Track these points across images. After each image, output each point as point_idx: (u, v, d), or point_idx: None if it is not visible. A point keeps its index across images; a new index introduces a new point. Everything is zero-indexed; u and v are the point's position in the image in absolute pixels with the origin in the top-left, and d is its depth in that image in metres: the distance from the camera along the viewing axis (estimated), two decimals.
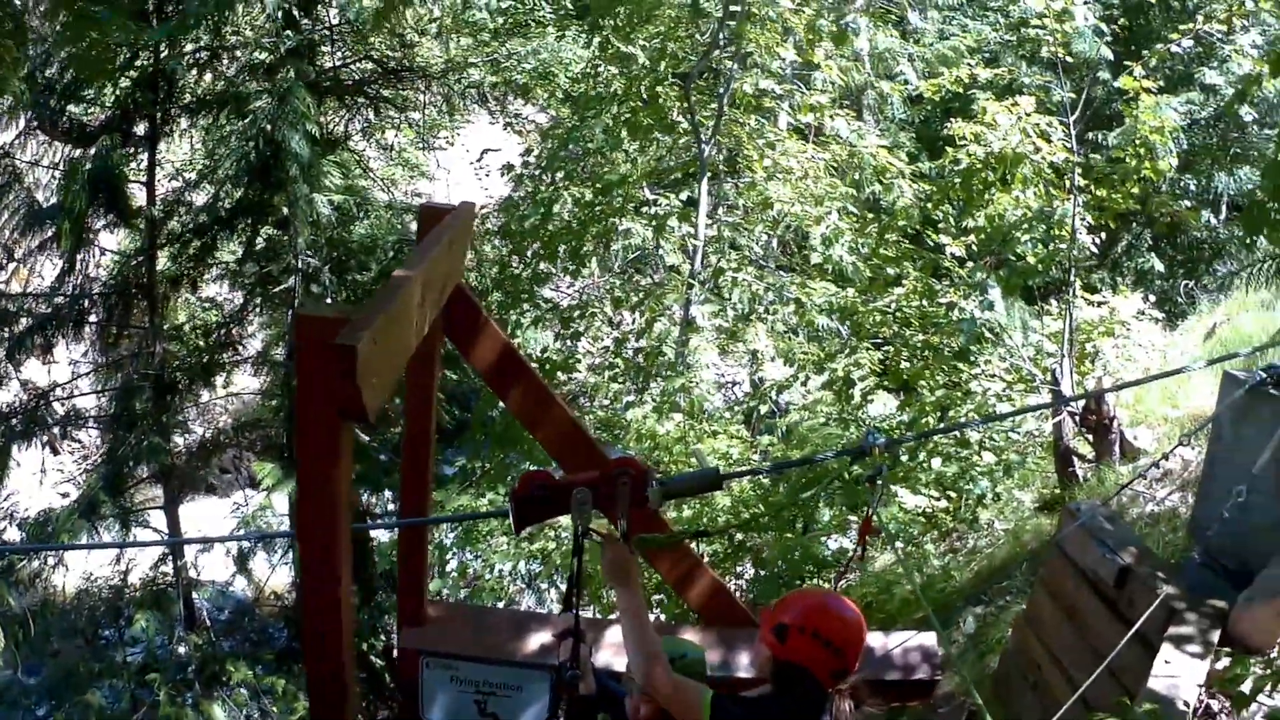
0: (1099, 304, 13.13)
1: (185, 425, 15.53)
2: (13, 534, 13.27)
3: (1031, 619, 7.25)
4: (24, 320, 13.61)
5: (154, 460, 13.44)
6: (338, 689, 4.46)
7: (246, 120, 12.84)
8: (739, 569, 12.63)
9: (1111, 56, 14.34)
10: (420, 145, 21.90)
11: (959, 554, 12.03)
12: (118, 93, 13.22)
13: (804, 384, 13.95)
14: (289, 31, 13.04)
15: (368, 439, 14.01)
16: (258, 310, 14.41)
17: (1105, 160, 12.99)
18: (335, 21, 14.21)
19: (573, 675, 5.03)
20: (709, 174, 15.16)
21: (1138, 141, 11.94)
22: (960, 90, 13.96)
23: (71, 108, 13.28)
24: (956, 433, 11.78)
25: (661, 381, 13.52)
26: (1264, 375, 6.13)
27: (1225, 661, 5.49)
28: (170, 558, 13.95)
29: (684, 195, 16.08)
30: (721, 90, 14.97)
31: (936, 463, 11.50)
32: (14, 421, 13.61)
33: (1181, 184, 21.27)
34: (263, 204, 13.53)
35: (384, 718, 14.19)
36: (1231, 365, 6.95)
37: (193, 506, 17.59)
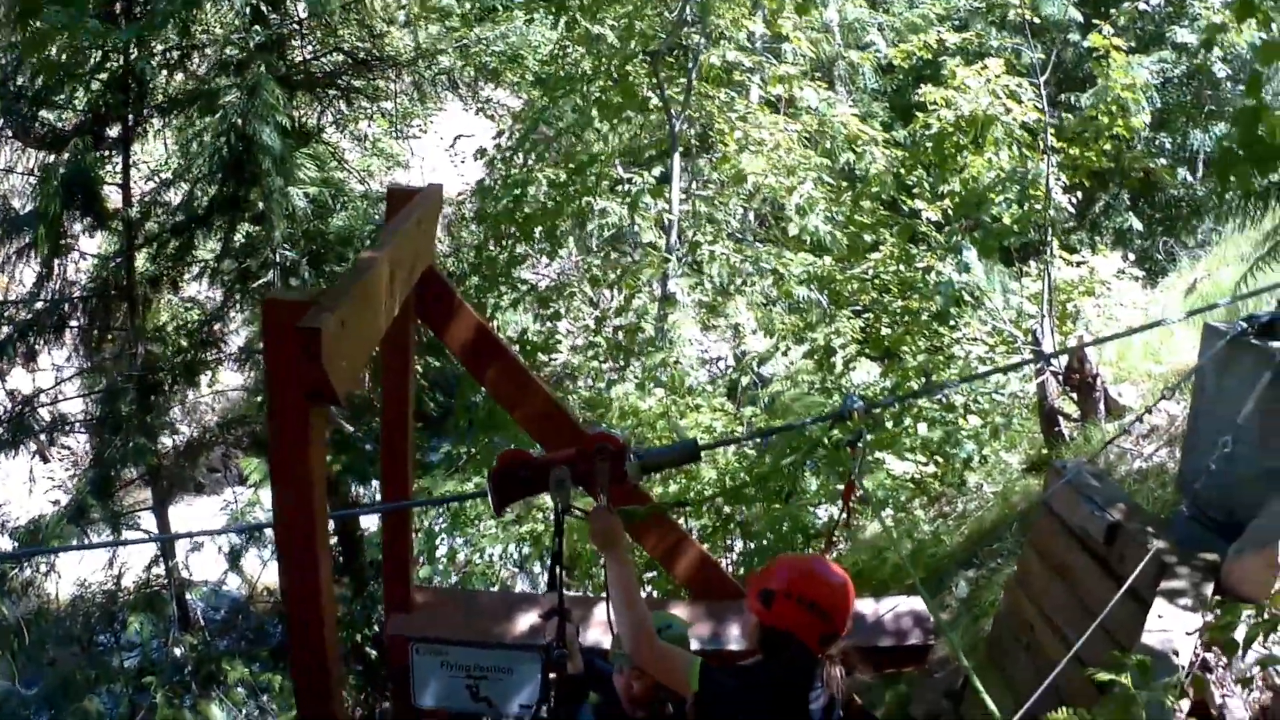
0: (1078, 264, 13.18)
1: (171, 425, 15.46)
2: (4, 543, 13.23)
3: (1022, 580, 7.23)
4: (4, 328, 13.53)
5: (141, 462, 13.39)
6: (323, 679, 4.43)
7: (217, 116, 12.77)
8: (729, 542, 12.63)
9: (1080, 18, 14.37)
10: (394, 135, 21.82)
11: (948, 518, 12.04)
12: (89, 96, 13.14)
13: (785, 354, 13.96)
14: (257, 27, 12.98)
15: (352, 429, 13.99)
16: (238, 307, 14.32)
17: (1078, 119, 13.01)
18: (303, 15, 14.14)
19: (560, 655, 5.01)
20: (681, 149, 15.13)
21: (1110, 100, 11.97)
22: (930, 57, 13.99)
23: (44, 113, 13.20)
24: (941, 397, 11.79)
25: (643, 358, 13.51)
26: (1244, 326, 6.13)
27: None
28: (162, 559, 13.90)
29: (657, 171, 16.04)
30: (690, 65, 14.94)
31: (922, 428, 11.50)
32: (0, 430, 13.56)
33: (1156, 142, 21.26)
34: (238, 200, 13.46)
35: (385, 709, 14.18)
36: (1212, 317, 6.94)
37: (183, 507, 17.54)
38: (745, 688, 4.49)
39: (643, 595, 5.55)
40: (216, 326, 14.52)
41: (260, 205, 13.06)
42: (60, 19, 11.35)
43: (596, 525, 4.60)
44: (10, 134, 13.47)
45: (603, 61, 15.33)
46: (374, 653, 14.22)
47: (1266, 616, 4.92)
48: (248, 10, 12.78)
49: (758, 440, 13.20)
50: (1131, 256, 15.93)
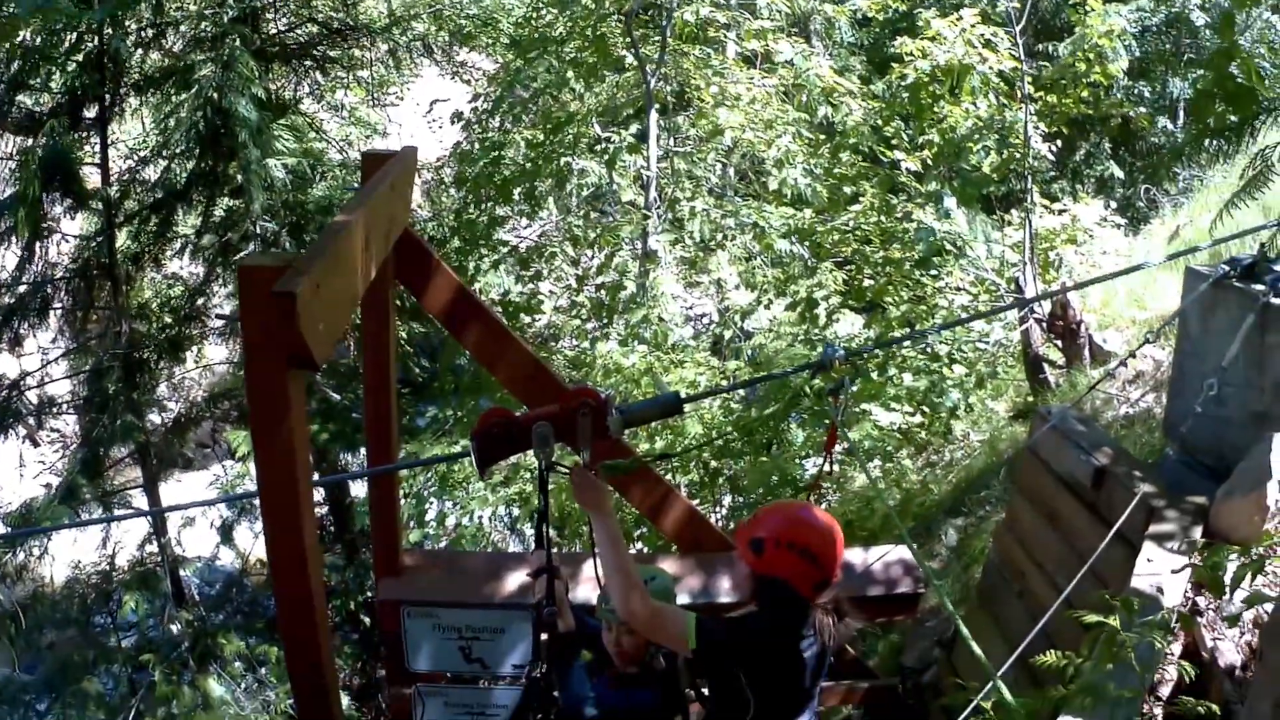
0: (1060, 212, 13.18)
1: (159, 402, 15.48)
2: None
3: (1012, 526, 7.25)
4: None
5: (130, 440, 13.42)
6: (314, 647, 4.42)
7: (193, 91, 12.73)
8: (718, 497, 12.67)
9: None
10: (371, 103, 21.72)
11: (936, 467, 12.09)
12: (65, 78, 13.09)
13: (768, 308, 13.96)
14: (231, 1, 12.92)
15: (338, 398, 14.00)
16: (221, 281, 14.32)
17: (1056, 67, 13.01)
18: None
19: (550, 612, 5.02)
20: (658, 107, 15.08)
21: (1087, 48, 11.97)
22: (906, 8, 13.93)
23: (20, 98, 13.16)
24: (925, 346, 11.81)
25: (625, 316, 13.50)
26: (1227, 268, 6.13)
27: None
28: (155, 537, 13.95)
29: (634, 129, 16.00)
30: (664, 23, 14.88)
31: (907, 378, 11.51)
32: None
33: (1136, 91, 21.24)
34: (216, 174, 13.48)
35: (384, 676, 14.23)
36: (1194, 261, 6.95)
37: (173, 484, 17.57)
38: (741, 639, 4.49)
39: (631, 552, 5.53)
40: (200, 301, 14.54)
41: (239, 178, 13.06)
42: (32, 4, 11.28)
43: (578, 483, 4.59)
44: None
45: (577, 23, 15.26)
46: (368, 620, 14.28)
47: (1254, 557, 4.93)
48: None
49: (743, 394, 13.22)
50: (1113, 204, 15.90)
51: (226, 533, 14.47)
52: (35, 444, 17.24)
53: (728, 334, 15.30)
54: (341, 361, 14.58)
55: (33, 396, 14.24)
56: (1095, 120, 18.46)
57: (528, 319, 14.79)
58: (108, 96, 13.21)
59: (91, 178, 13.39)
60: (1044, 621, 5.28)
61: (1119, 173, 21.16)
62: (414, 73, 18.88)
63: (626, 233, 15.04)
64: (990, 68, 12.41)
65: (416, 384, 15.18)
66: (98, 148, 13.42)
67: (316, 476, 10.93)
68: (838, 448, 5.92)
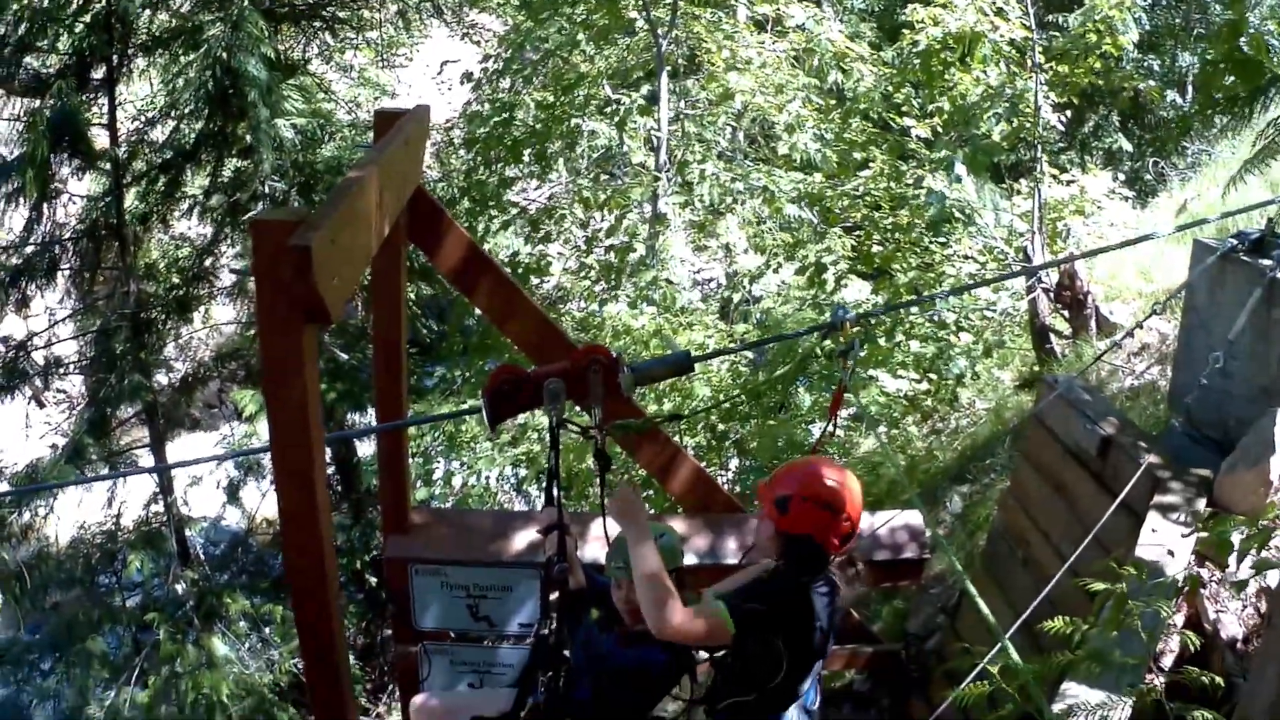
0: (1068, 183, 13.17)
1: (166, 362, 15.50)
2: (1, 489, 13.28)
3: (1017, 494, 7.28)
4: None
5: (137, 399, 13.40)
6: (323, 599, 4.43)
7: (201, 51, 12.68)
8: (725, 460, 12.70)
9: None
10: (380, 64, 21.66)
11: (941, 435, 12.11)
12: (73, 39, 13.03)
13: (776, 272, 13.95)
14: None
15: (346, 357, 14.01)
16: (229, 241, 14.31)
17: (1066, 38, 12.99)
18: None
19: (561, 569, 5.03)
20: (669, 70, 15.04)
21: (1098, 19, 11.95)
22: None
23: (28, 59, 13.11)
24: (933, 314, 11.82)
25: (634, 278, 13.50)
26: (1234, 242, 6.13)
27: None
28: (160, 496, 13.96)
29: (645, 90, 15.96)
30: None
31: (914, 345, 11.53)
32: None
33: (1146, 64, 21.18)
34: (225, 134, 13.42)
35: (388, 635, 14.29)
36: (1202, 235, 6.95)
37: (180, 444, 17.57)
38: (778, 604, 4.51)
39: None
40: (207, 261, 14.50)
41: (248, 138, 13.01)
42: None
43: (616, 498, 4.63)
44: None
45: None
46: (374, 579, 14.34)
47: (1258, 528, 4.95)
48: None
49: (751, 357, 13.23)
50: (1121, 177, 15.93)
51: (233, 492, 14.50)
52: (41, 405, 17.23)
53: (736, 297, 15.30)
54: (349, 321, 14.58)
55: (39, 357, 14.24)
56: (1105, 92, 18.41)
57: (536, 280, 14.79)
58: (115, 57, 13.14)
59: (99, 139, 13.34)
60: (1048, 589, 5.31)
61: (1127, 146, 21.15)
62: (423, 34, 18.85)
63: (636, 195, 15.02)
64: (1001, 36, 12.40)
65: (424, 345, 15.20)
66: (105, 109, 13.36)
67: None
68: (843, 412, 5.93)
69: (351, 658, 12.85)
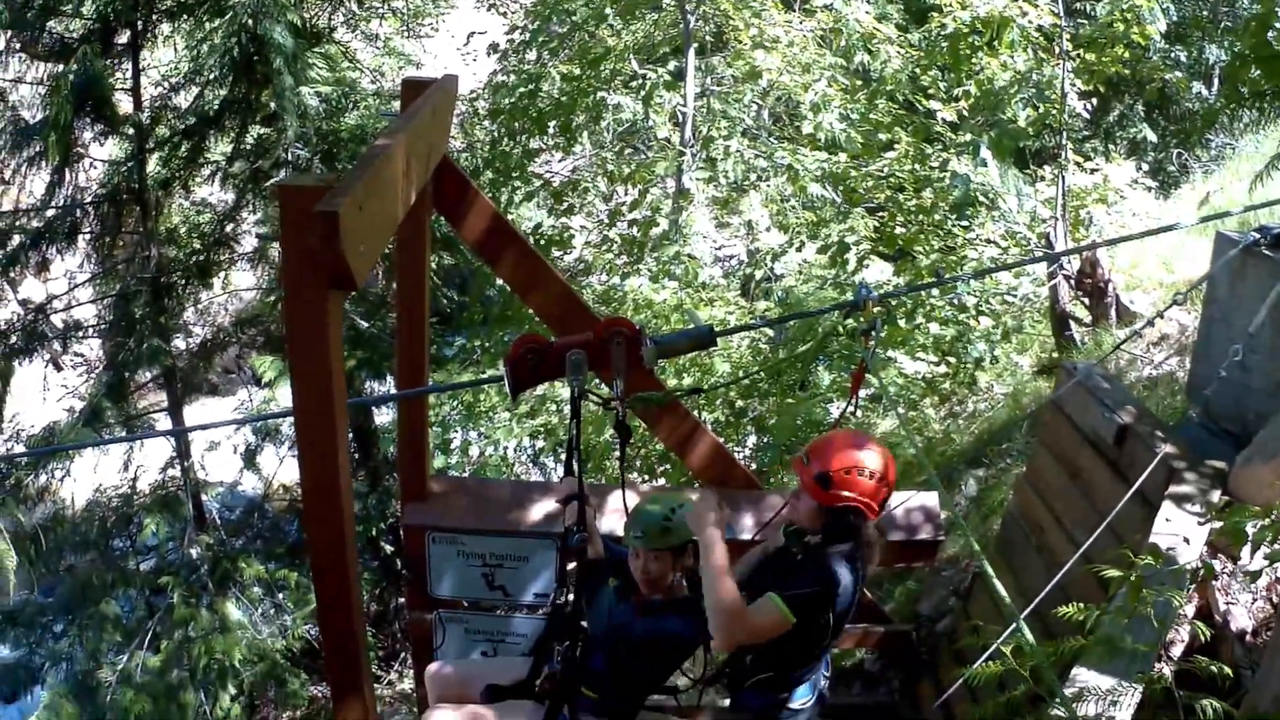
0: (1092, 171, 13.14)
1: (185, 327, 15.54)
2: (18, 451, 13.34)
3: (1033, 480, 7.29)
4: (16, 237, 13.54)
5: (156, 364, 13.44)
6: (341, 566, 4.44)
7: (227, 17, 12.67)
8: (743, 437, 12.72)
9: None
10: (406, 34, 21.63)
11: (959, 418, 12.11)
12: (97, 4, 13.02)
13: (799, 250, 13.95)
14: None
15: (366, 324, 14.03)
16: (250, 207, 14.33)
17: (1094, 26, 12.94)
18: None
19: (579, 538, 5.06)
20: (695, 46, 15.02)
21: (1125, 7, 11.92)
22: None
23: (52, 24, 13.12)
24: (954, 298, 11.80)
25: (656, 253, 13.51)
26: (1257, 235, 6.12)
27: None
28: (177, 460, 14.01)
29: (672, 66, 15.94)
30: None
31: (934, 328, 11.53)
32: (13, 339, 13.61)
33: (1172, 55, 21.07)
34: (249, 101, 13.42)
35: (403, 603, 14.34)
36: (1223, 226, 6.93)
37: (197, 408, 17.64)
38: (830, 580, 4.57)
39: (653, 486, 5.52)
40: (229, 227, 14.52)
41: (272, 105, 13.02)
42: None
43: (697, 507, 4.67)
44: (19, 46, 13.41)
45: None
46: (389, 547, 14.38)
47: (1272, 520, 4.96)
48: None
49: (771, 335, 13.24)
50: (1145, 167, 15.86)
51: (250, 457, 14.53)
52: (59, 368, 17.31)
53: (758, 274, 15.30)
54: (370, 289, 14.60)
55: (58, 320, 14.29)
56: (1131, 82, 18.34)
57: (559, 253, 14.81)
58: (140, 22, 13.15)
59: (123, 104, 13.36)
60: (1061, 575, 5.32)
61: (1152, 136, 21.02)
62: (450, 4, 18.79)
63: (661, 169, 15.02)
64: (1029, 22, 12.36)
65: (445, 314, 15.21)
66: (129, 74, 13.37)
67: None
68: (862, 391, 5.94)
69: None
